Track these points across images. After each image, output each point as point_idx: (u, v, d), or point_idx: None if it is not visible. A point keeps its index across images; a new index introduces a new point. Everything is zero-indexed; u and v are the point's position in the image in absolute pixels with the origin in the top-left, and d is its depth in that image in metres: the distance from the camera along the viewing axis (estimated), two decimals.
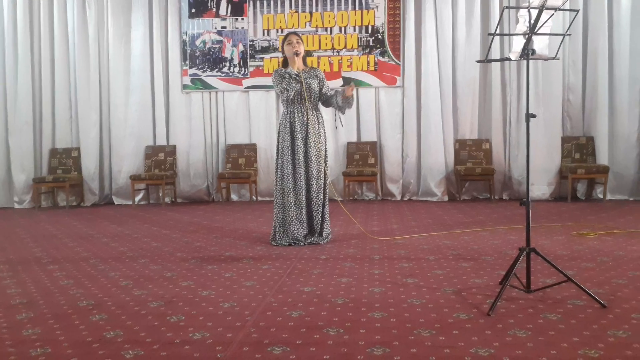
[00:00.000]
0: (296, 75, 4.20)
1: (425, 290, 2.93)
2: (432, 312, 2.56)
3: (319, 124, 4.27)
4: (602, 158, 6.55)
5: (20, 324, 2.52)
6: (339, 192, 7.00)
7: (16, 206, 7.20)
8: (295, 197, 4.21)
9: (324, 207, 4.27)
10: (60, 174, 7.15)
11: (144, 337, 2.31)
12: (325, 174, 4.28)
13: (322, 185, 4.25)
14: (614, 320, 2.39)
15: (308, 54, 4.45)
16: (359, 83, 7.02)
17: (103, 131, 7.33)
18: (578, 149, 6.69)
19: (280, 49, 4.62)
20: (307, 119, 4.22)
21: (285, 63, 4.37)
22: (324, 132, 4.33)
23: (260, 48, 7.15)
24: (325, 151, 4.33)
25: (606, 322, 2.38)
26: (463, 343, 2.17)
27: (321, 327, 2.38)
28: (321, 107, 4.40)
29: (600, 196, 6.55)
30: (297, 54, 4.20)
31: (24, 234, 5.07)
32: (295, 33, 4.40)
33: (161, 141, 7.30)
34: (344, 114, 4.40)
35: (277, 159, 4.30)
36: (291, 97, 4.20)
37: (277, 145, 4.31)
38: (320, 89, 4.32)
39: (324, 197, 4.28)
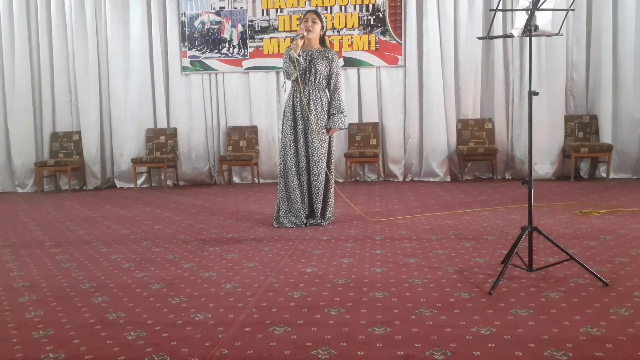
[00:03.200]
0: (296, 58, 4.07)
1: (426, 270, 2.92)
2: (434, 291, 2.56)
3: (322, 106, 4.18)
4: (606, 136, 6.50)
5: (23, 307, 2.53)
6: (341, 173, 6.99)
7: (18, 190, 7.21)
8: (298, 176, 4.19)
9: (326, 190, 4.23)
10: (62, 157, 7.14)
11: (145, 319, 2.32)
12: (329, 156, 4.22)
13: (324, 168, 4.20)
14: (616, 299, 2.38)
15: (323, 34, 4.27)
16: (360, 63, 6.95)
17: (103, 114, 7.29)
18: (581, 128, 6.63)
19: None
20: (309, 99, 4.16)
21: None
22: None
23: (259, 28, 7.06)
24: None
25: (608, 300, 2.37)
26: (464, 322, 2.16)
27: (322, 307, 2.38)
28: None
29: (604, 175, 6.51)
30: (299, 36, 4.06)
31: (27, 218, 5.08)
32: (314, 11, 4.22)
33: (162, 124, 7.27)
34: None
35: (281, 137, 4.27)
36: (292, 79, 4.15)
37: (282, 124, 4.27)
38: (329, 74, 4.17)
39: (327, 180, 4.22)
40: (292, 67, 4.09)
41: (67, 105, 7.31)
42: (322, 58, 4.15)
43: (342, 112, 4.21)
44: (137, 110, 7.18)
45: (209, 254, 3.45)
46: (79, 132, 7.25)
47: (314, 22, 4.12)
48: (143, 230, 4.29)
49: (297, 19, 4.17)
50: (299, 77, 4.11)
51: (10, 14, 7.09)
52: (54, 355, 1.99)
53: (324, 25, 4.22)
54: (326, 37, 4.30)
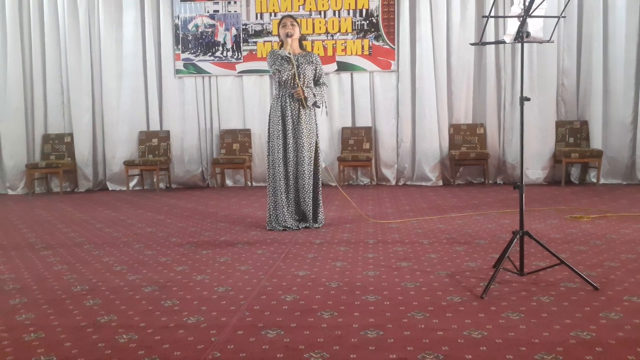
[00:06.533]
0: (287, 56, 4.14)
1: (419, 273, 2.94)
2: (426, 295, 2.57)
3: (310, 109, 4.25)
4: (596, 142, 6.56)
5: (14, 309, 2.51)
6: (334, 177, 6.99)
7: (9, 192, 7.15)
8: (286, 181, 4.20)
9: (316, 192, 4.26)
10: (54, 159, 7.10)
11: (137, 322, 2.31)
12: (317, 159, 4.26)
13: (314, 171, 4.24)
14: (606, 303, 2.41)
15: (302, 37, 4.38)
16: (353, 67, 6.98)
17: (96, 116, 7.26)
18: (572, 133, 6.69)
19: (276, 32, 4.56)
20: (299, 103, 4.19)
21: (282, 46, 4.32)
22: (315, 117, 4.31)
23: (253, 32, 7.08)
24: (317, 136, 4.31)
25: (598, 304, 2.39)
26: (456, 325, 2.18)
27: (315, 311, 2.39)
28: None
29: (594, 180, 6.57)
30: (288, 35, 4.13)
31: (17, 220, 5.04)
32: (290, 16, 4.34)
33: (155, 126, 7.25)
34: (318, 107, 4.31)
35: (269, 142, 4.28)
36: (284, 78, 4.17)
37: (268, 129, 4.29)
38: (314, 77, 4.28)
39: (316, 182, 4.26)
40: (286, 64, 4.12)
41: (60, 107, 7.27)
42: (308, 63, 4.23)
43: (322, 96, 4.26)
44: (129, 112, 7.17)
45: (201, 257, 3.44)
46: (70, 134, 7.22)
47: (292, 25, 4.18)
48: (135, 233, 4.27)
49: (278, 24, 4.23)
50: (296, 74, 4.12)
51: (2, 15, 7.04)
52: (45, 358, 1.98)
53: (300, 28, 4.33)
54: (303, 42, 4.37)
